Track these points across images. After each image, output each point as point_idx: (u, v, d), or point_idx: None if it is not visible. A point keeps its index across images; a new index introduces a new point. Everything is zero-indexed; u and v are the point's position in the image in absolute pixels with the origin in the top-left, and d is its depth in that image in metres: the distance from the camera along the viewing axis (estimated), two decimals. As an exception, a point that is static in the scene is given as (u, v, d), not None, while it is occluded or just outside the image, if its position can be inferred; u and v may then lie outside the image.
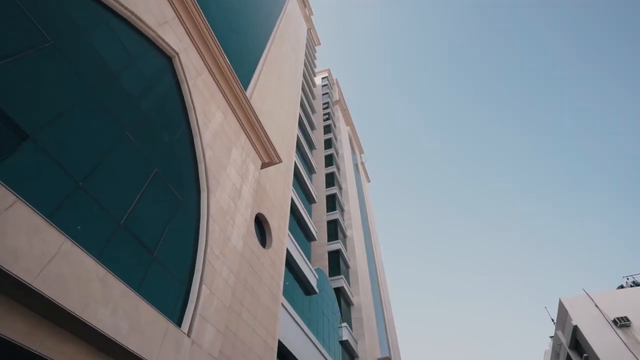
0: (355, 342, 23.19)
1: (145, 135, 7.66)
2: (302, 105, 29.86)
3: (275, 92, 20.66)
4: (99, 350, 5.25)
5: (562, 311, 23.28)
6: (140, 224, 6.67)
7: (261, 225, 13.64)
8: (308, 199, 23.72)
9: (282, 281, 13.15)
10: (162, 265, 6.92)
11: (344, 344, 21.66)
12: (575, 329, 21.34)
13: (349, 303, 25.76)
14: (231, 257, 9.16)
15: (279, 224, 14.61)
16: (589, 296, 22.34)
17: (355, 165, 54.59)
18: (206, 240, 8.32)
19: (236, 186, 10.73)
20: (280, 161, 14.02)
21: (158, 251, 6.92)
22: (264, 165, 13.77)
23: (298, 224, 19.97)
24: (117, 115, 6.98)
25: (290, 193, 17.15)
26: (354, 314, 25.33)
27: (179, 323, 6.83)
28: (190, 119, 9.54)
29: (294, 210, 19.40)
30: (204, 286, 7.63)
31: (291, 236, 17.00)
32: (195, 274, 7.73)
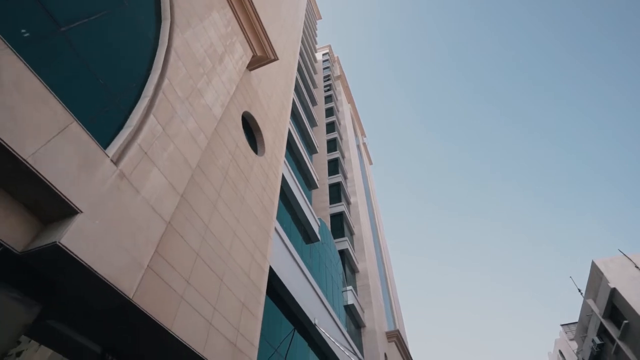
0: (362, 310, 20.50)
1: None
2: (301, 55, 27.21)
3: (271, 22, 18.03)
4: None
5: (595, 275, 20.55)
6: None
7: (251, 133, 11.01)
8: (308, 147, 21.07)
9: (277, 200, 10.52)
10: (76, 52, 4.28)
11: (349, 310, 18.96)
12: (614, 292, 18.63)
13: (353, 270, 23.07)
14: (203, 115, 6.53)
15: (274, 140, 11.98)
16: (627, 257, 19.65)
17: (357, 146, 51.88)
18: (163, 70, 5.69)
19: (216, 49, 8.10)
20: (277, 58, 11.39)
21: (70, 32, 4.29)
22: (255, 63, 11.16)
23: (297, 166, 17.31)
24: None
25: (287, 118, 14.51)
26: (359, 282, 22.63)
27: (104, 145, 4.20)
28: None
29: (292, 147, 16.78)
30: (152, 117, 5.00)
31: (290, 170, 14.37)
32: (141, 100, 5.10)
